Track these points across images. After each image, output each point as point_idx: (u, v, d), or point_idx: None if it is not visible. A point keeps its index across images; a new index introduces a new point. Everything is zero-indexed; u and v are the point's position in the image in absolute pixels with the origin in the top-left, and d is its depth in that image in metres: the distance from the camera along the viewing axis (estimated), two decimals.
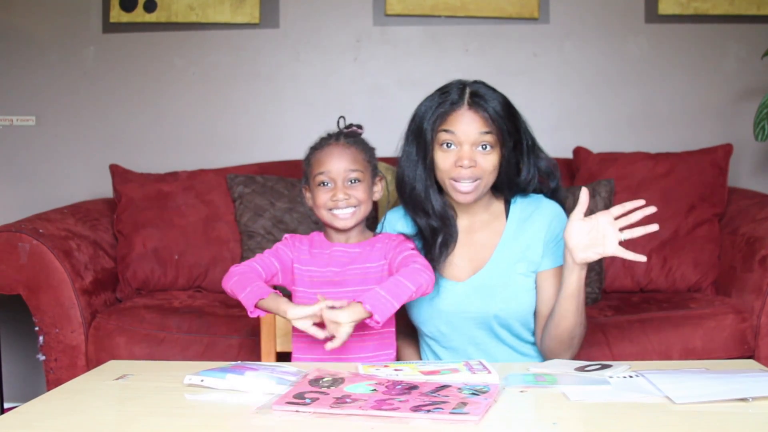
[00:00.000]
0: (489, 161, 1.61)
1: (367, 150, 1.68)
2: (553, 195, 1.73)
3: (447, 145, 1.62)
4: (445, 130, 1.61)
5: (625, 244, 1.50)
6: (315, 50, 3.01)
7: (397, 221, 1.76)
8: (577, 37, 2.95)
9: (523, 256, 1.67)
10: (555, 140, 2.61)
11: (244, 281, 1.56)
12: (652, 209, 1.48)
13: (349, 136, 1.68)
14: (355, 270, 1.64)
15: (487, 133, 1.60)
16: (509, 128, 1.61)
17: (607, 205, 2.40)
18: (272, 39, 3.01)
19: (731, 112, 2.89)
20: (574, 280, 1.56)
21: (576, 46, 2.95)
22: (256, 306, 1.53)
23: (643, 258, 1.47)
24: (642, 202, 1.49)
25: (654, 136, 2.90)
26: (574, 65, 2.96)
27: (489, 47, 2.97)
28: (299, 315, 1.46)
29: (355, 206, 1.63)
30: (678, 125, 2.92)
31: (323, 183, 1.64)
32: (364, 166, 1.65)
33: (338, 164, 1.62)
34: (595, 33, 2.95)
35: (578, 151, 2.73)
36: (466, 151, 1.60)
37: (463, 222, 1.73)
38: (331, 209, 1.63)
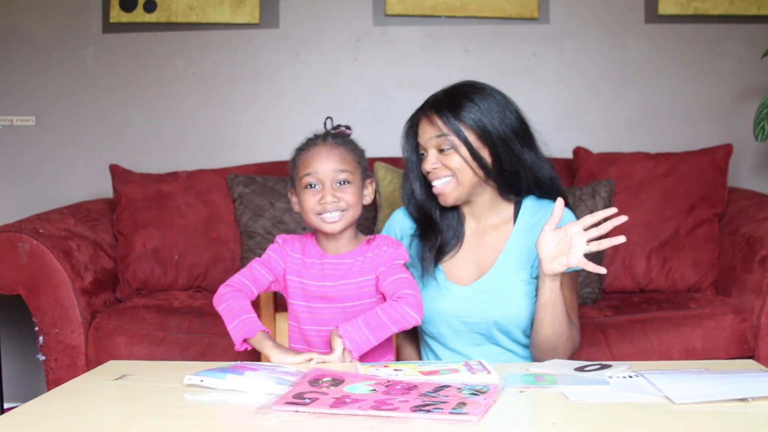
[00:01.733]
0: (451, 161, 1.64)
1: (356, 150, 1.60)
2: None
3: (422, 155, 1.68)
4: (418, 143, 1.69)
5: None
6: (315, 50, 3.01)
7: (403, 218, 1.79)
8: (577, 37, 2.95)
9: (526, 262, 1.67)
10: (555, 140, 2.58)
11: (234, 310, 1.55)
12: (622, 219, 1.48)
13: (337, 137, 1.59)
14: (350, 285, 1.59)
15: (439, 136, 1.63)
16: (471, 126, 1.63)
17: (607, 205, 2.40)
18: (272, 39, 3.01)
19: (731, 112, 2.89)
20: (546, 291, 1.56)
21: (576, 46, 2.95)
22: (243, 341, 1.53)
23: (603, 270, 1.49)
24: (614, 210, 1.49)
25: (654, 136, 2.90)
26: (574, 65, 2.96)
27: (489, 47, 2.97)
28: (284, 363, 1.44)
29: (343, 210, 1.54)
30: (678, 125, 2.92)
31: (310, 185, 1.55)
32: (353, 167, 1.57)
33: (326, 165, 1.54)
34: (595, 33, 2.95)
35: (578, 151, 2.73)
36: (430, 156, 1.65)
37: (471, 225, 1.74)
38: (319, 213, 1.55)
